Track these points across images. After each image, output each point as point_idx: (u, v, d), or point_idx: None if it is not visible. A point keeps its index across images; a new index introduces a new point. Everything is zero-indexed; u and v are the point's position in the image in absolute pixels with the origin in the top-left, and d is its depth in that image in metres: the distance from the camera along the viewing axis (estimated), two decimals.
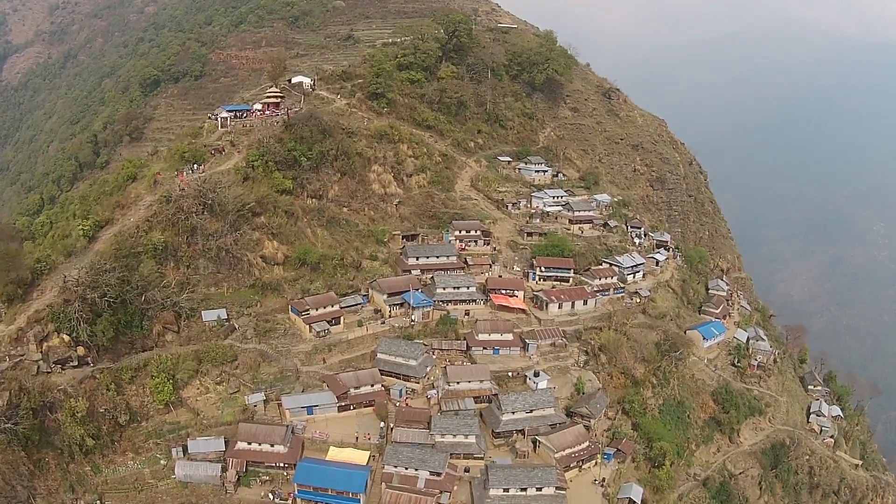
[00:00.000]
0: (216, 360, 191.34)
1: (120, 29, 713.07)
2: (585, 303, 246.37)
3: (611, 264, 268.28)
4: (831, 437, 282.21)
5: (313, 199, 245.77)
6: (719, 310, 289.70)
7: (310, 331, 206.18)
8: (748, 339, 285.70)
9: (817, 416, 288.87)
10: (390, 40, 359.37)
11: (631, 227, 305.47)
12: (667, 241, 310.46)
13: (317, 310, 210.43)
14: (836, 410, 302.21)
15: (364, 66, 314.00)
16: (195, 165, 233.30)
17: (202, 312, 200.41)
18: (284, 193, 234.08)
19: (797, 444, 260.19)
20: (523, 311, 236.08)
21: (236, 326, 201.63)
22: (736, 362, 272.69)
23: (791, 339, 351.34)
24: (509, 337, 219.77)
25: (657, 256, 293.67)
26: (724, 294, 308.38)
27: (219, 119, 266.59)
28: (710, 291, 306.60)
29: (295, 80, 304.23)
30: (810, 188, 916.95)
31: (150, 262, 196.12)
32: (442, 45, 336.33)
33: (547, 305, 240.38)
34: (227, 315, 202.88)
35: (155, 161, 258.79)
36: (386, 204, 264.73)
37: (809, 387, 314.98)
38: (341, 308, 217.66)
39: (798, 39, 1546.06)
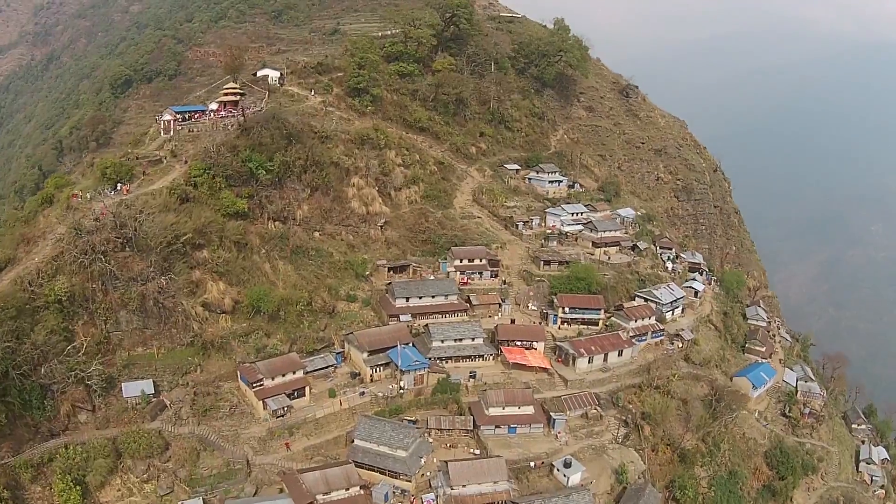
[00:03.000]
0: (140, 451, 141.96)
1: (104, 29, 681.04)
2: (620, 353, 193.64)
3: (646, 299, 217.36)
4: (881, 487, 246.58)
5: (275, 223, 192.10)
6: (765, 347, 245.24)
7: (264, 408, 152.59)
8: (797, 381, 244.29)
9: (867, 463, 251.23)
10: (380, 34, 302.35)
11: (660, 248, 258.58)
12: (700, 264, 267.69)
13: (273, 379, 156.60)
14: (883, 453, 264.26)
15: (344, 57, 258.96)
16: (118, 185, 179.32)
17: (122, 385, 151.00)
18: (237, 217, 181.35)
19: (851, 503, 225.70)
20: (545, 369, 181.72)
21: (167, 403, 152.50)
22: (787, 412, 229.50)
23: (831, 369, 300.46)
24: (529, 410, 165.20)
25: (695, 285, 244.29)
26: (765, 325, 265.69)
27: (161, 122, 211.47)
28: (748, 320, 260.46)
29: (260, 73, 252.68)
30: (808, 188, 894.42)
31: (51, 320, 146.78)
32: (438, 33, 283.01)
33: (574, 360, 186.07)
34: (155, 387, 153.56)
35: (88, 177, 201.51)
36: (368, 226, 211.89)
37: (853, 425, 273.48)
38: (307, 374, 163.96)
39: (796, 39, 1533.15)
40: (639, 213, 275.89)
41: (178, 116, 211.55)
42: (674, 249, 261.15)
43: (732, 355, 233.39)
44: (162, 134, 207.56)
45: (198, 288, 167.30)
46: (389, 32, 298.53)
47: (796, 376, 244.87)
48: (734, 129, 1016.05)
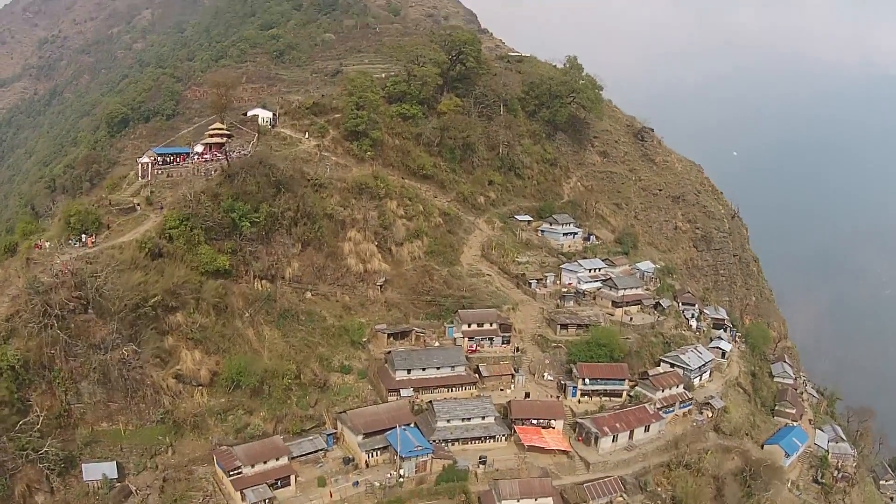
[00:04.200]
0: None
1: (107, 66, 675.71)
2: (647, 429, 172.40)
3: (673, 365, 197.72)
4: None
5: (262, 282, 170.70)
6: (795, 409, 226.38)
7: (242, 500, 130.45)
8: (828, 443, 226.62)
9: None
10: (383, 75, 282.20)
11: (683, 304, 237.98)
12: (724, 320, 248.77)
13: (253, 466, 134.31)
14: None
15: (342, 97, 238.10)
16: (83, 235, 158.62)
17: (83, 466, 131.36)
18: (217, 275, 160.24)
19: None
20: (565, 451, 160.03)
21: (133, 490, 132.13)
22: (819, 478, 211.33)
23: (857, 423, 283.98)
24: (547, 502, 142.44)
25: (722, 345, 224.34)
26: (792, 382, 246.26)
27: (139, 166, 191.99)
28: (775, 378, 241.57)
29: (251, 113, 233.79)
30: (812, 225, 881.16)
31: (3, 389, 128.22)
32: (443, 72, 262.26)
33: (597, 439, 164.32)
34: (120, 470, 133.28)
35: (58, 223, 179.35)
36: (366, 285, 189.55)
37: (881, 481, 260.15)
38: (293, 459, 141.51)
39: (798, 75, 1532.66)
40: (658, 266, 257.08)
41: (159, 159, 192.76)
42: (697, 305, 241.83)
43: (763, 420, 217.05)
44: (139, 178, 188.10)
45: (170, 357, 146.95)
46: (392, 73, 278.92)
47: (827, 437, 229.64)
48: (736, 167, 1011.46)
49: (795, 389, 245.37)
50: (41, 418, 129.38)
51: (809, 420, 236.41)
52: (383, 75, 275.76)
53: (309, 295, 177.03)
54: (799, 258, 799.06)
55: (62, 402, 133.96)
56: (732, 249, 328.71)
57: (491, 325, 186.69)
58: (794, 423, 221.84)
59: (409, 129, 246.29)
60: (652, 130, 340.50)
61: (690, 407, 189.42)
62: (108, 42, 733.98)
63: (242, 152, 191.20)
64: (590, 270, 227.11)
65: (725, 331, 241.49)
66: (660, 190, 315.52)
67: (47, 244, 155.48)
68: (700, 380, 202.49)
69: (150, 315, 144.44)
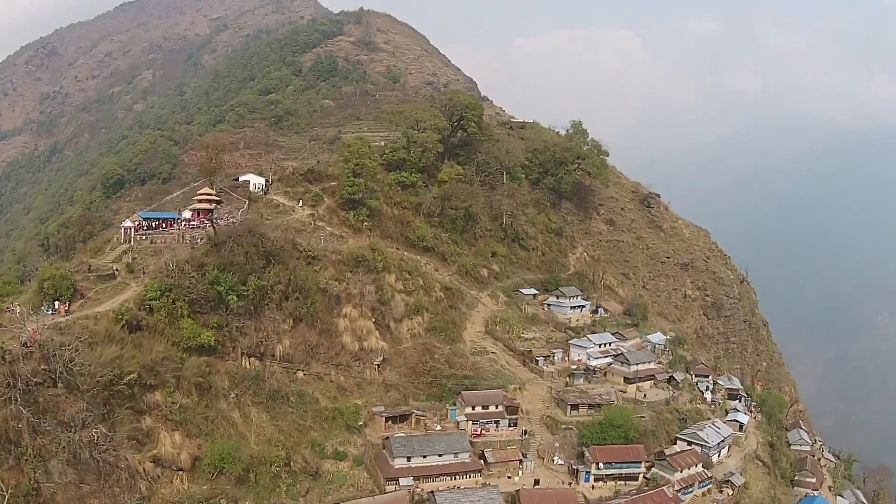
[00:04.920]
0: None
1: (107, 125, 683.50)
2: None
3: (690, 442, 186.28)
4: None
5: (250, 360, 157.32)
6: (815, 477, 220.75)
7: None
8: None
9: None
10: (382, 143, 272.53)
11: (696, 376, 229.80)
12: (738, 390, 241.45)
13: None
14: None
15: (338, 164, 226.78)
16: (56, 302, 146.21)
17: None
18: (201, 352, 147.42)
19: None
20: None
21: None
22: None
23: (876, 484, 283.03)
24: None
25: (739, 418, 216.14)
26: (809, 448, 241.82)
27: (122, 230, 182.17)
28: (791, 446, 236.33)
29: (243, 178, 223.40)
30: (812, 284, 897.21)
31: None
32: (444, 138, 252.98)
33: None
34: None
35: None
36: (363, 365, 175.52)
37: None
38: None
39: (794, 133, 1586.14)
40: (668, 337, 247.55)
41: (143, 223, 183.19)
42: (710, 377, 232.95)
43: (783, 492, 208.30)
44: (121, 243, 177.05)
45: (148, 439, 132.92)
46: (391, 140, 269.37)
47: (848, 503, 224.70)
48: (736, 231, 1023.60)
49: (813, 456, 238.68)
50: (7, 496, 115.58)
51: (829, 487, 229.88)
52: (382, 143, 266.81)
53: (301, 374, 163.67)
54: (799, 315, 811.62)
55: (30, 480, 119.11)
56: (742, 315, 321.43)
57: (496, 406, 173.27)
58: (815, 493, 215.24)
59: (409, 198, 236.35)
60: (658, 196, 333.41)
61: (710, 486, 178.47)
62: (108, 101, 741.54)
63: (231, 220, 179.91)
64: (600, 345, 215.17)
65: (740, 401, 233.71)
66: (668, 257, 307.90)
67: (18, 308, 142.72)
68: (718, 456, 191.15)
69: (125, 393, 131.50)
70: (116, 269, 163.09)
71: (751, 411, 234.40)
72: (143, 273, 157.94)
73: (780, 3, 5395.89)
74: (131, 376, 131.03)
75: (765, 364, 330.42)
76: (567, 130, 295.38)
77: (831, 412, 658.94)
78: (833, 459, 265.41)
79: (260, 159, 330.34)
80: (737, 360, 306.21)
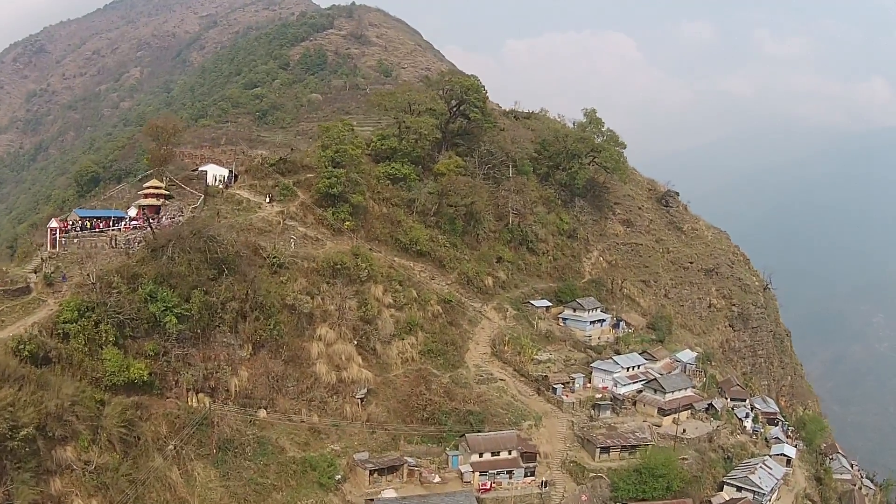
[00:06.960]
0: None
1: (93, 123, 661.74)
2: None
3: (740, 488, 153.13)
4: None
5: (198, 396, 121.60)
6: None
7: None
8: None
9: None
10: (375, 139, 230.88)
11: (731, 400, 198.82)
12: (775, 413, 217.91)
13: None
14: None
15: (315, 153, 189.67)
16: None
17: None
18: (130, 390, 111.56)
19: None
20: None
21: None
22: None
23: None
24: None
25: (785, 451, 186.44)
26: (850, 478, 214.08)
27: (48, 232, 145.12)
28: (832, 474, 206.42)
29: (202, 168, 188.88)
30: (808, 286, 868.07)
31: None
32: (441, 125, 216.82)
33: None
34: None
35: None
36: (342, 400, 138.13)
37: None
38: None
39: (788, 137, 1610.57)
40: (696, 354, 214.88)
41: (78, 223, 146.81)
42: (747, 400, 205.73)
43: None
44: (46, 248, 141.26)
45: None
46: (381, 125, 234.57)
47: None
48: (735, 231, 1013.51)
49: (855, 485, 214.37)
50: None
51: None
52: (374, 139, 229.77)
53: (263, 414, 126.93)
54: (794, 318, 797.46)
55: None
56: (768, 326, 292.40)
57: (509, 452, 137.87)
58: None
59: (400, 193, 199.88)
60: (677, 194, 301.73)
61: None
62: (95, 99, 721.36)
63: (176, 218, 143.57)
64: (627, 369, 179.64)
65: (778, 425, 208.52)
66: (691, 262, 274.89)
67: None
68: (769, 500, 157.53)
69: (23, 451, 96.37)
70: (33, 282, 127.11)
71: (789, 437, 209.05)
72: (64, 279, 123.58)
73: (774, 7, 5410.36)
74: (26, 431, 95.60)
75: (789, 378, 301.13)
76: (582, 119, 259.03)
77: (828, 414, 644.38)
78: (872, 486, 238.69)
79: (242, 155, 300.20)
80: (764, 376, 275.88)
